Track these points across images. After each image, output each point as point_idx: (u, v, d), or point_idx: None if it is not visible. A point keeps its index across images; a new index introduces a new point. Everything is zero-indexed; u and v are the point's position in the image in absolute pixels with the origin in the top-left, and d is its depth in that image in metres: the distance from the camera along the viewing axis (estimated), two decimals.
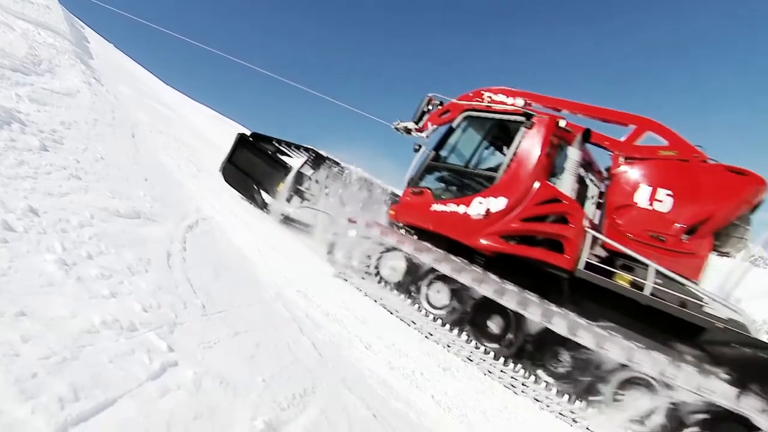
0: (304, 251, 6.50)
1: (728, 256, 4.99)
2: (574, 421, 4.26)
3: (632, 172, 5.12)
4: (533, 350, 4.77)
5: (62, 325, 2.10)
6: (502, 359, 4.80)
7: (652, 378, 4.00)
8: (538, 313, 4.57)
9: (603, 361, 4.23)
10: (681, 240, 4.74)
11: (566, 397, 4.42)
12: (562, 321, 4.43)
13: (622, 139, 5.40)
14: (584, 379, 4.39)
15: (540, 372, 4.66)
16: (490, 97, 6.13)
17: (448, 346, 4.97)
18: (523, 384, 4.57)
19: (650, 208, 4.89)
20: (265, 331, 3.25)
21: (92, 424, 1.66)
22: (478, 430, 3.49)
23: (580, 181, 6.00)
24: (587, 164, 6.14)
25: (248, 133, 8.80)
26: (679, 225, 4.74)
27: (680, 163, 4.92)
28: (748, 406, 3.63)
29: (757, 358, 3.90)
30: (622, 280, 4.71)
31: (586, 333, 4.28)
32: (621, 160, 5.26)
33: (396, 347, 4.25)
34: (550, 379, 4.58)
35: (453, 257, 5.41)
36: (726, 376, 3.83)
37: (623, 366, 4.13)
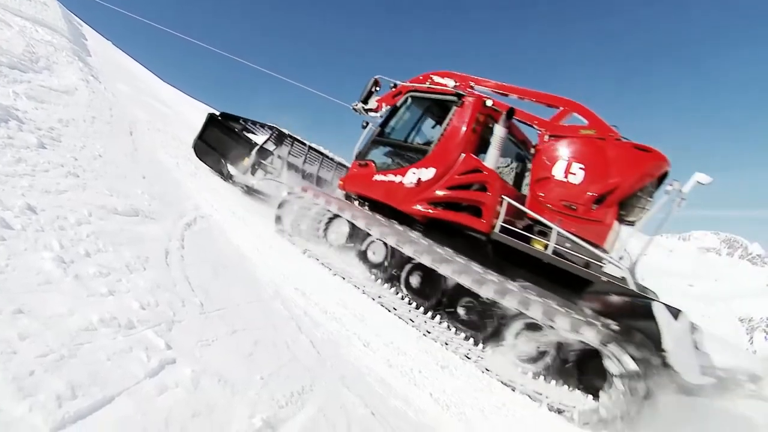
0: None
1: (631, 225, 5.36)
2: (467, 357, 4.77)
3: (553, 148, 5.59)
4: (447, 301, 5.37)
5: (60, 323, 2.10)
6: (421, 309, 5.36)
7: (542, 322, 4.42)
8: (449, 269, 5.06)
9: (504, 310, 4.75)
10: (590, 209, 5.20)
11: (472, 341, 4.95)
12: (488, 285, 4.82)
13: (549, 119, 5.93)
14: (487, 325, 4.98)
15: (451, 320, 5.23)
16: (432, 80, 6.79)
17: (392, 307, 5.46)
18: (435, 329, 5.09)
19: (565, 180, 5.36)
20: (263, 329, 3.25)
21: (90, 421, 1.67)
22: (476, 428, 3.48)
23: (521, 159, 6.93)
24: (523, 143, 6.90)
25: (218, 113, 9.60)
26: (588, 195, 5.20)
27: (594, 140, 5.37)
28: (607, 341, 4.05)
29: (625, 303, 4.46)
30: (539, 244, 5.22)
31: (512, 296, 4.65)
32: (546, 137, 5.75)
33: (394, 345, 4.24)
34: (460, 326, 5.14)
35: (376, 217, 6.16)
36: (596, 319, 4.28)
37: (520, 313, 4.59)
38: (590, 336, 4.07)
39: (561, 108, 5.81)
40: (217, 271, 3.98)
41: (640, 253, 5.44)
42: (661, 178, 5.25)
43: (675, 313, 4.07)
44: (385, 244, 5.87)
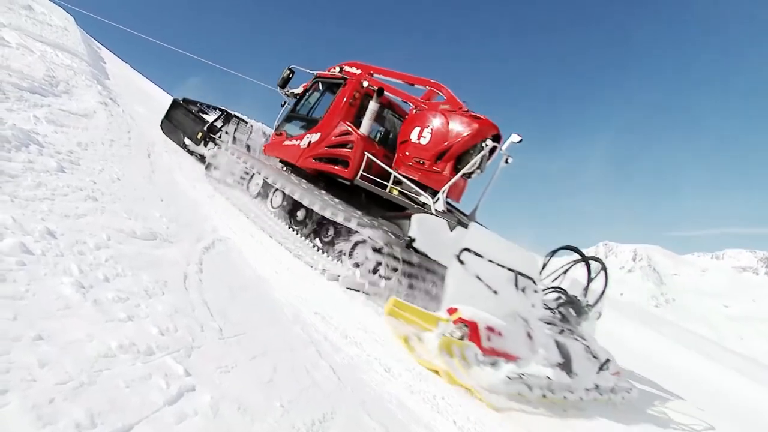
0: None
1: (459, 173, 6.60)
2: (312, 265, 6.15)
3: (413, 118, 7.19)
4: (316, 228, 7.02)
5: (79, 349, 2.07)
6: (299, 235, 7.06)
7: (332, 218, 6.30)
8: (317, 204, 6.59)
9: (347, 231, 6.34)
10: (434, 163, 6.67)
11: (324, 254, 6.54)
12: (329, 209, 6.39)
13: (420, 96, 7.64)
14: (336, 243, 6.56)
15: (316, 241, 6.91)
16: (341, 68, 8.54)
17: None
18: (303, 248, 6.58)
19: (417, 142, 6.83)
20: (282, 354, 3.18)
21: None
22: None
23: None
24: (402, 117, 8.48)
25: (180, 98, 11.92)
26: (432, 153, 6.64)
27: (443, 111, 6.79)
28: (372, 227, 5.89)
29: (408, 216, 6.10)
30: (394, 190, 6.89)
31: (329, 208, 6.38)
32: (413, 111, 7.43)
33: (416, 371, 4.12)
34: (320, 245, 6.80)
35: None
36: (377, 221, 6.24)
37: (355, 231, 6.08)
38: (353, 225, 5.93)
39: (428, 88, 7.54)
40: (236, 294, 3.93)
41: (479, 199, 7.41)
42: (496, 141, 6.57)
43: (453, 226, 5.79)
44: (283, 192, 7.42)
